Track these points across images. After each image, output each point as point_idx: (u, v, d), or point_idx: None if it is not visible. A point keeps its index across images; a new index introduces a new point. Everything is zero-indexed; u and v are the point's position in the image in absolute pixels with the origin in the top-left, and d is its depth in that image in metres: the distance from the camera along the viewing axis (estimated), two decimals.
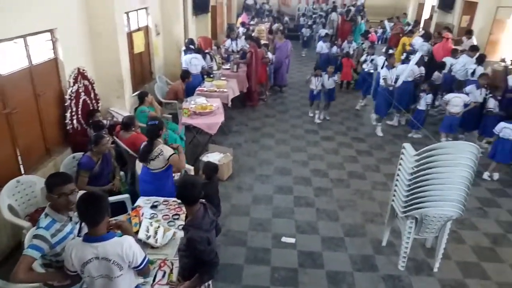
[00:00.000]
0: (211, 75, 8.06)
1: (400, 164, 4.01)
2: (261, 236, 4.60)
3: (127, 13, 6.99)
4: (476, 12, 12.45)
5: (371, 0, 21.15)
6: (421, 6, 18.57)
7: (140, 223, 3.18)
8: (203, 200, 2.68)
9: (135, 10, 7.47)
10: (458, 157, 3.55)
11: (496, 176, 6.05)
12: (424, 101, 7.18)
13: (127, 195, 4.07)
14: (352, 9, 17.02)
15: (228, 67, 9.03)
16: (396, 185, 4.11)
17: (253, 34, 11.72)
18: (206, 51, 9.18)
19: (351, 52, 10.58)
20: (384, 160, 6.60)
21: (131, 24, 7.43)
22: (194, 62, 7.80)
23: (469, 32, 10.91)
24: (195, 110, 6.08)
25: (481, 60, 7.84)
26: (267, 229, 4.72)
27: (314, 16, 17.94)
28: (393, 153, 6.70)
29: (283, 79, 10.13)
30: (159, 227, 3.22)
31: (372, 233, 4.70)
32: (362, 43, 10.50)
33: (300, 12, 19.30)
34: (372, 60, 8.88)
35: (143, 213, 3.40)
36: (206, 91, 7.30)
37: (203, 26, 11.86)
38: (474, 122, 7.10)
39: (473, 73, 7.71)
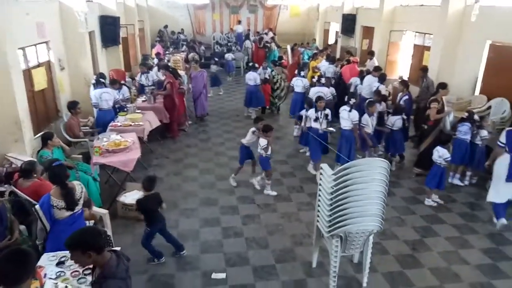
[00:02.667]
0: (125, 109, 7.65)
1: (320, 185, 4.08)
2: (190, 276, 4.32)
3: (23, 48, 6.39)
4: (374, 36, 13.76)
5: (282, 28, 22.36)
6: (326, 32, 20.06)
7: (41, 287, 2.75)
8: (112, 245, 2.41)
9: (33, 45, 6.87)
10: (372, 173, 3.71)
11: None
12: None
13: None
14: (265, 36, 17.80)
15: (144, 99, 8.69)
16: (318, 205, 4.17)
17: (169, 64, 11.55)
18: (122, 82, 8.77)
19: (267, 77, 10.90)
20: (306, 179, 6.74)
21: (30, 59, 6.81)
22: (105, 97, 7.33)
23: (371, 53, 11.96)
24: (108, 147, 5.65)
25: (382, 79, 8.56)
26: (195, 267, 4.45)
27: (229, 44, 18.37)
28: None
29: (203, 109, 9.97)
30: (66, 287, 2.82)
31: (302, 256, 4.68)
32: (272, 70, 10.89)
33: (215, 41, 19.65)
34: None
35: (45, 274, 2.95)
36: (120, 126, 6.88)
37: (114, 58, 11.38)
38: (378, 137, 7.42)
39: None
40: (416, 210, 5.82)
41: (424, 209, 5.84)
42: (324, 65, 10.84)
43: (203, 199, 6.01)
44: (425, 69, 8.71)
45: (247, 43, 17.37)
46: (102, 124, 7.06)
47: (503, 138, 5.24)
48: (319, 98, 6.76)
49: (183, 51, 16.18)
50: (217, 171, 7.05)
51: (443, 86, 7.02)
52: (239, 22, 20.85)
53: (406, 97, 7.76)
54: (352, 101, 6.53)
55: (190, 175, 6.84)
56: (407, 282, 4.26)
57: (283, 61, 12.29)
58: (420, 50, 11.48)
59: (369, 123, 6.80)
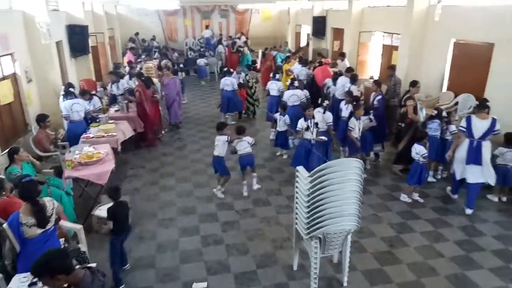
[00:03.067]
0: (97, 120, 7.48)
1: (297, 187, 4.11)
2: None
3: None
4: (344, 37, 14.02)
5: (254, 32, 22.48)
6: (298, 35, 20.29)
7: None
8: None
9: None
10: (347, 173, 3.76)
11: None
12: (283, 122, 7.53)
13: None
14: (238, 41, 17.83)
15: (117, 108, 8.53)
16: (296, 208, 4.20)
17: (142, 72, 11.38)
18: (92, 92, 8.57)
19: (242, 82, 10.91)
20: (284, 182, 6.78)
21: None
22: (76, 108, 7.13)
23: (342, 55, 12.18)
24: (80, 160, 5.51)
25: (353, 80, 8.72)
26: (175, 278, 4.39)
27: (202, 49, 18.28)
28: (292, 174, 6.92)
29: (177, 116, 9.82)
30: None
31: (283, 259, 4.69)
32: (246, 75, 10.93)
33: (188, 47, 19.54)
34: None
35: None
36: (93, 137, 6.72)
37: (84, 68, 11.12)
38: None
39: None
40: (392, 207, 5.95)
41: (400, 205, 5.97)
42: (297, 68, 10.96)
43: (181, 208, 5.95)
44: (393, 68, 8.92)
45: (220, 48, 17.36)
46: (73, 136, 6.87)
47: (463, 123, 5.69)
48: (307, 106, 6.59)
49: (155, 58, 16.00)
50: (194, 178, 6.99)
51: (413, 84, 7.23)
52: (207, 27, 20.75)
53: (379, 96, 7.93)
54: (326, 102, 6.63)
55: (167, 184, 6.75)
56: (386, 279, 4.34)
57: (255, 65, 12.33)
58: (388, 50, 11.78)
59: (356, 126, 6.66)
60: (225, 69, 11.32)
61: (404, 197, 6.09)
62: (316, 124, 6.42)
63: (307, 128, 6.39)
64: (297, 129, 6.51)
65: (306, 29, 18.50)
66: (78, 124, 7.12)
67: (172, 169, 7.41)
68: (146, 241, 5.10)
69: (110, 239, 4.20)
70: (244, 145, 6.14)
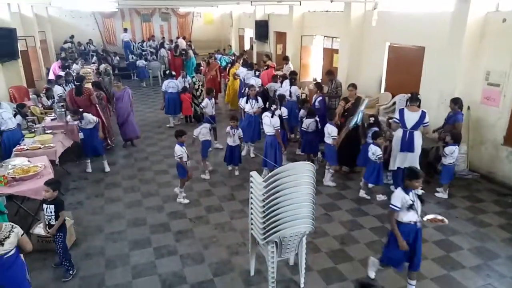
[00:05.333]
0: (32, 130, 6.92)
1: (251, 193, 4.10)
2: None
3: None
4: (287, 41, 14.33)
5: (197, 35, 22.25)
6: (241, 38, 20.41)
7: None
8: None
9: None
10: (300, 177, 3.82)
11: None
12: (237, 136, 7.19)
13: None
14: (180, 44, 17.50)
15: (54, 117, 7.94)
16: (251, 213, 4.18)
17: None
18: (13, 107, 7.83)
19: (187, 86, 10.71)
20: (237, 187, 6.75)
21: None
22: (5, 116, 6.55)
23: (286, 58, 12.41)
24: (15, 175, 5.04)
25: (291, 82, 8.89)
26: None
27: (144, 53, 17.71)
28: (244, 178, 6.92)
29: (135, 131, 8.76)
30: None
31: (239, 265, 4.65)
32: (193, 77, 10.77)
33: (129, 50, 18.82)
34: None
35: None
36: (27, 149, 6.19)
37: (14, 74, 10.23)
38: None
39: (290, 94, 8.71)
40: (342, 205, 6.15)
41: (349, 203, 6.19)
42: (242, 71, 10.98)
43: (130, 219, 5.67)
44: (330, 73, 9.29)
45: (162, 52, 16.94)
46: (9, 147, 6.31)
47: (397, 115, 6.30)
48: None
49: (93, 63, 15.20)
50: (143, 188, 6.71)
51: (351, 86, 7.56)
52: (125, 30, 19.66)
53: (320, 98, 8.20)
54: (274, 107, 6.69)
55: (113, 195, 6.42)
56: (340, 277, 4.47)
57: (201, 68, 12.16)
58: (329, 53, 12.24)
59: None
60: (167, 71, 11.11)
61: (362, 193, 6.33)
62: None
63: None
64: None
65: (249, 33, 18.67)
66: (11, 133, 6.52)
67: (117, 179, 7.06)
68: (93, 257, 4.79)
69: (61, 238, 4.33)
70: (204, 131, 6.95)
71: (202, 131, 7.09)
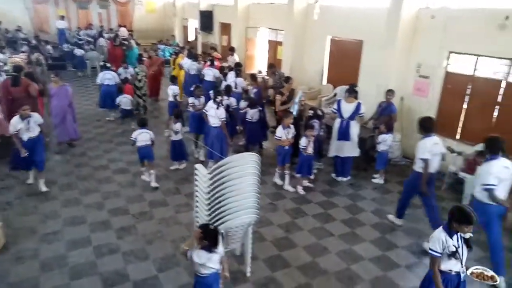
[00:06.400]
0: None
1: (196, 185, 4.05)
2: None
3: None
4: (231, 33, 14.25)
5: (139, 24, 21.38)
6: (185, 28, 19.95)
7: None
8: None
9: None
10: (245, 168, 3.85)
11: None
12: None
13: None
14: (120, 33, 16.68)
15: None
16: (197, 206, 4.14)
17: (5, 68, 9.89)
18: None
19: (129, 77, 10.28)
20: (182, 180, 6.63)
21: None
22: None
23: (231, 49, 12.34)
24: None
25: (237, 74, 8.92)
26: None
27: (80, 42, 16.66)
28: (189, 172, 6.81)
29: (75, 132, 7.92)
30: None
31: (185, 260, 4.58)
32: (135, 67, 10.36)
33: (64, 39, 17.63)
34: None
35: None
36: None
37: None
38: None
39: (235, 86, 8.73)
40: (286, 194, 6.29)
41: (293, 192, 6.34)
42: (186, 63, 10.76)
43: (67, 219, 5.36)
44: (271, 66, 9.48)
45: (101, 41, 16.08)
46: None
47: (335, 106, 6.67)
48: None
49: (23, 52, 14.03)
50: (81, 185, 6.36)
51: (286, 80, 7.75)
52: (62, 17, 18.48)
53: (255, 90, 8.28)
54: (219, 98, 6.64)
55: (47, 194, 6.01)
56: (285, 264, 4.58)
57: (144, 59, 11.70)
58: (274, 45, 12.38)
59: (284, 135, 6.32)
60: (102, 63, 10.52)
61: (299, 189, 6.37)
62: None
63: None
64: None
65: (194, 23, 18.30)
66: None
67: (52, 176, 6.61)
68: (26, 261, 4.47)
69: None
70: (145, 138, 6.21)
71: (141, 137, 6.25)
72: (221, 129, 6.58)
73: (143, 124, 6.32)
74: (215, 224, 3.81)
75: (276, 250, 4.83)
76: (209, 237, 3.16)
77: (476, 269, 3.13)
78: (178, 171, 6.96)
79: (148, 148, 6.28)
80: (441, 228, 3.15)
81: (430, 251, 3.14)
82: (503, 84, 6.31)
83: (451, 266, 3.08)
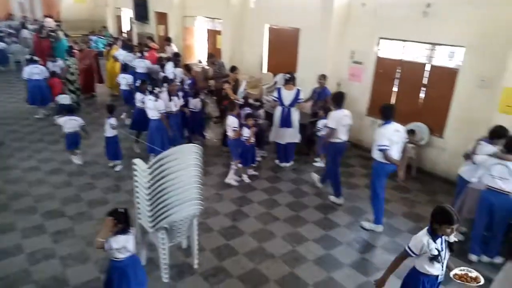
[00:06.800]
0: None
1: (136, 181, 3.91)
2: None
3: None
4: (168, 22, 13.82)
5: (67, 15, 19.97)
6: (119, 18, 18.99)
7: None
8: None
9: None
10: (186, 159, 3.78)
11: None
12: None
13: None
14: (47, 24, 15.48)
15: None
16: (138, 202, 4.01)
17: None
18: None
19: (58, 71, 9.59)
20: (122, 177, 6.37)
21: None
22: None
23: (167, 40, 11.98)
24: None
25: (176, 65, 8.72)
26: None
27: (1, 34, 15.20)
28: (129, 167, 6.54)
29: None
30: None
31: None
32: (66, 60, 9.70)
33: None
34: None
35: None
36: None
37: None
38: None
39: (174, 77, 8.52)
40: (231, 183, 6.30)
41: (239, 180, 6.37)
42: (121, 54, 10.28)
43: None
44: (210, 56, 9.41)
45: (25, 33, 14.82)
46: None
47: (275, 94, 6.73)
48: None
49: None
50: (9, 189, 5.87)
51: (232, 69, 7.74)
52: None
53: (189, 81, 8.15)
54: (157, 90, 6.44)
55: None
56: (233, 252, 4.60)
57: (74, 50, 10.95)
58: (213, 34, 12.21)
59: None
60: (28, 57, 9.74)
61: (244, 177, 6.37)
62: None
63: None
64: None
65: (128, 13, 17.46)
66: None
67: None
68: None
69: None
70: (72, 124, 6.41)
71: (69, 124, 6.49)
72: (160, 121, 6.39)
73: (70, 111, 6.53)
74: (158, 219, 3.73)
75: (223, 240, 4.84)
76: (122, 219, 3.19)
77: (461, 270, 2.93)
78: (120, 168, 6.68)
79: (76, 135, 6.51)
80: (425, 230, 3.01)
81: (406, 248, 3.04)
82: (428, 67, 6.78)
83: (432, 269, 2.99)
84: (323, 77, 7.19)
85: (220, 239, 4.84)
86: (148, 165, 3.67)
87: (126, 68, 9.06)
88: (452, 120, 6.45)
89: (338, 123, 5.45)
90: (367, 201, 5.74)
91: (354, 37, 7.68)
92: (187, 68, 8.38)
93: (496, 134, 4.56)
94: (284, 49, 9.61)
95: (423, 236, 2.97)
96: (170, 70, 8.83)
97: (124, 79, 8.85)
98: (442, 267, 2.99)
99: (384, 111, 4.87)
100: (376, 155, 4.85)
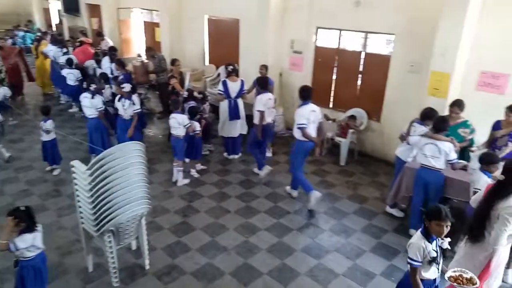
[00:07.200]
0: None
1: (76, 184, 3.70)
2: None
3: None
4: (102, 14, 13.12)
5: None
6: (47, 11, 17.69)
7: None
8: None
9: None
10: (129, 158, 3.63)
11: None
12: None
13: None
14: None
15: None
16: (80, 207, 3.81)
17: None
18: None
19: None
20: (63, 181, 6.00)
21: None
22: None
23: (99, 35, 11.35)
24: None
25: (111, 59, 8.33)
26: None
27: None
28: (69, 171, 6.19)
29: None
30: None
31: (74, 265, 4.21)
32: None
33: None
34: None
35: None
36: None
37: None
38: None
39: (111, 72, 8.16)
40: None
41: (186, 176, 6.27)
42: (51, 50, 9.60)
43: None
44: (149, 49, 9.09)
45: None
46: None
47: (220, 87, 6.61)
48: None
49: None
50: None
51: (172, 62, 7.55)
52: None
53: (122, 76, 7.82)
54: (93, 86, 6.11)
55: None
56: (185, 248, 4.54)
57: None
58: (150, 27, 11.79)
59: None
60: None
61: (193, 172, 6.27)
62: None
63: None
64: None
65: (56, 5, 16.31)
66: None
67: None
68: None
69: None
70: None
71: None
72: (99, 120, 6.09)
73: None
74: (103, 222, 3.57)
75: (174, 237, 4.75)
76: (25, 218, 3.13)
77: (454, 271, 2.85)
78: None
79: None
80: (419, 233, 2.86)
81: (409, 261, 2.83)
82: (363, 55, 7.10)
83: (428, 274, 2.88)
84: (264, 67, 7.25)
85: (171, 237, 4.76)
86: (87, 167, 3.49)
87: (70, 63, 8.50)
88: (387, 104, 6.84)
89: (265, 106, 5.82)
90: (314, 188, 5.95)
91: (293, 27, 7.82)
92: (120, 64, 7.99)
93: (427, 115, 4.90)
94: (225, 40, 9.54)
95: (418, 240, 2.83)
96: (106, 65, 8.41)
97: (71, 75, 8.42)
98: (438, 270, 2.92)
99: (302, 93, 5.27)
100: (296, 134, 5.28)
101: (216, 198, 5.68)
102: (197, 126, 5.98)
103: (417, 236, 2.87)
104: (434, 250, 2.81)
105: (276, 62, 7.84)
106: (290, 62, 8.05)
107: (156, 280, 4.04)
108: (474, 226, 3.39)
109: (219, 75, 9.23)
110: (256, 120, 6.00)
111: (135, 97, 6.10)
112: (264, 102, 5.93)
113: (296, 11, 7.67)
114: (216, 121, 7.09)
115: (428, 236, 2.81)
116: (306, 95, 5.24)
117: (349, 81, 7.35)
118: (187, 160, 6.27)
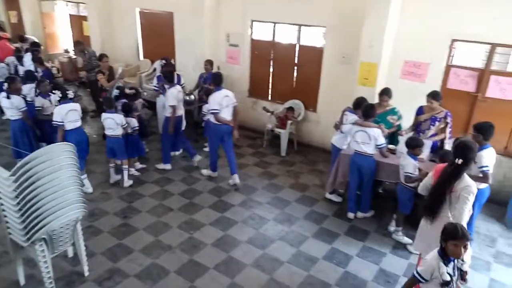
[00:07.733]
0: None
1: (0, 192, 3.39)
2: None
3: None
4: (21, 7, 12.06)
5: None
6: None
7: None
8: None
9: None
10: (58, 160, 3.40)
11: None
12: None
13: None
14: None
15: None
16: (5, 216, 3.49)
17: None
18: None
19: None
20: None
21: None
22: None
23: (20, 38, 10.17)
24: None
25: (34, 56, 7.73)
26: None
27: None
28: None
29: None
30: None
31: (5, 279, 3.88)
32: None
33: None
34: None
35: None
36: None
37: None
38: None
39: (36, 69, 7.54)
40: (119, 180, 5.93)
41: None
42: None
43: None
44: (78, 44, 8.54)
45: None
46: None
47: (155, 82, 6.84)
48: None
49: None
50: None
51: (100, 58, 7.16)
52: None
53: (42, 73, 7.35)
54: (5, 85, 5.61)
55: None
56: (127, 251, 4.37)
57: None
58: (77, 20, 11.08)
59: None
60: None
61: (131, 170, 6.02)
62: None
63: None
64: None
65: None
66: None
67: None
68: None
69: None
70: None
71: None
72: (23, 121, 5.61)
73: None
74: (33, 231, 3.32)
75: (115, 240, 4.56)
76: None
77: None
78: None
79: None
80: (435, 253, 2.67)
81: (415, 274, 2.69)
82: (297, 48, 7.28)
83: None
84: (208, 62, 7.17)
85: (111, 240, 4.55)
86: (10, 172, 3.21)
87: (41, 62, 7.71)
88: (322, 95, 7.10)
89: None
90: (257, 179, 6.05)
91: (228, 20, 7.79)
92: (39, 61, 7.42)
93: (358, 104, 5.17)
94: (159, 34, 9.25)
95: (433, 259, 2.64)
96: (29, 62, 7.75)
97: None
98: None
99: (214, 79, 5.62)
100: (210, 118, 5.64)
101: (157, 197, 5.53)
102: (135, 123, 5.80)
103: (433, 254, 2.68)
104: (449, 273, 2.58)
105: (213, 55, 7.77)
106: (227, 55, 8.03)
107: (96, 286, 3.85)
108: (431, 207, 3.49)
109: (155, 69, 8.95)
110: (167, 113, 6.03)
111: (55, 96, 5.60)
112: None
113: (230, 3, 7.65)
114: (154, 117, 6.88)
115: (444, 257, 2.60)
116: (218, 81, 5.53)
117: (286, 74, 7.51)
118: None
